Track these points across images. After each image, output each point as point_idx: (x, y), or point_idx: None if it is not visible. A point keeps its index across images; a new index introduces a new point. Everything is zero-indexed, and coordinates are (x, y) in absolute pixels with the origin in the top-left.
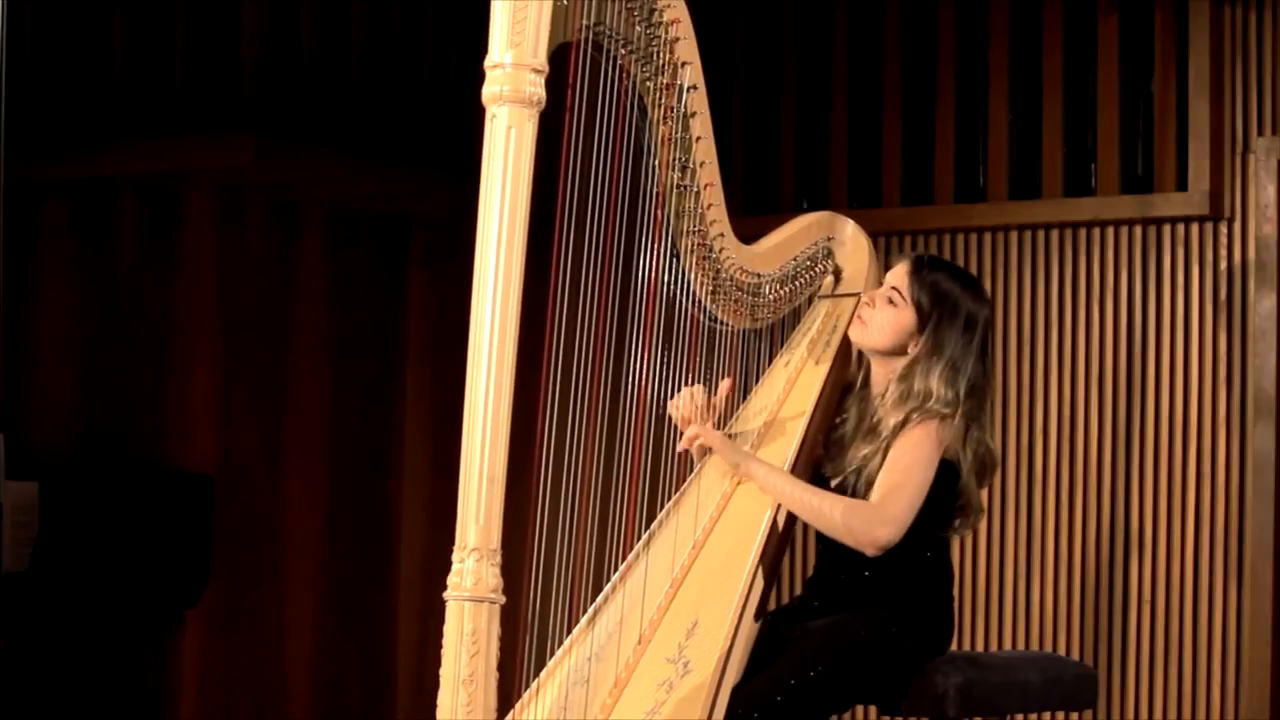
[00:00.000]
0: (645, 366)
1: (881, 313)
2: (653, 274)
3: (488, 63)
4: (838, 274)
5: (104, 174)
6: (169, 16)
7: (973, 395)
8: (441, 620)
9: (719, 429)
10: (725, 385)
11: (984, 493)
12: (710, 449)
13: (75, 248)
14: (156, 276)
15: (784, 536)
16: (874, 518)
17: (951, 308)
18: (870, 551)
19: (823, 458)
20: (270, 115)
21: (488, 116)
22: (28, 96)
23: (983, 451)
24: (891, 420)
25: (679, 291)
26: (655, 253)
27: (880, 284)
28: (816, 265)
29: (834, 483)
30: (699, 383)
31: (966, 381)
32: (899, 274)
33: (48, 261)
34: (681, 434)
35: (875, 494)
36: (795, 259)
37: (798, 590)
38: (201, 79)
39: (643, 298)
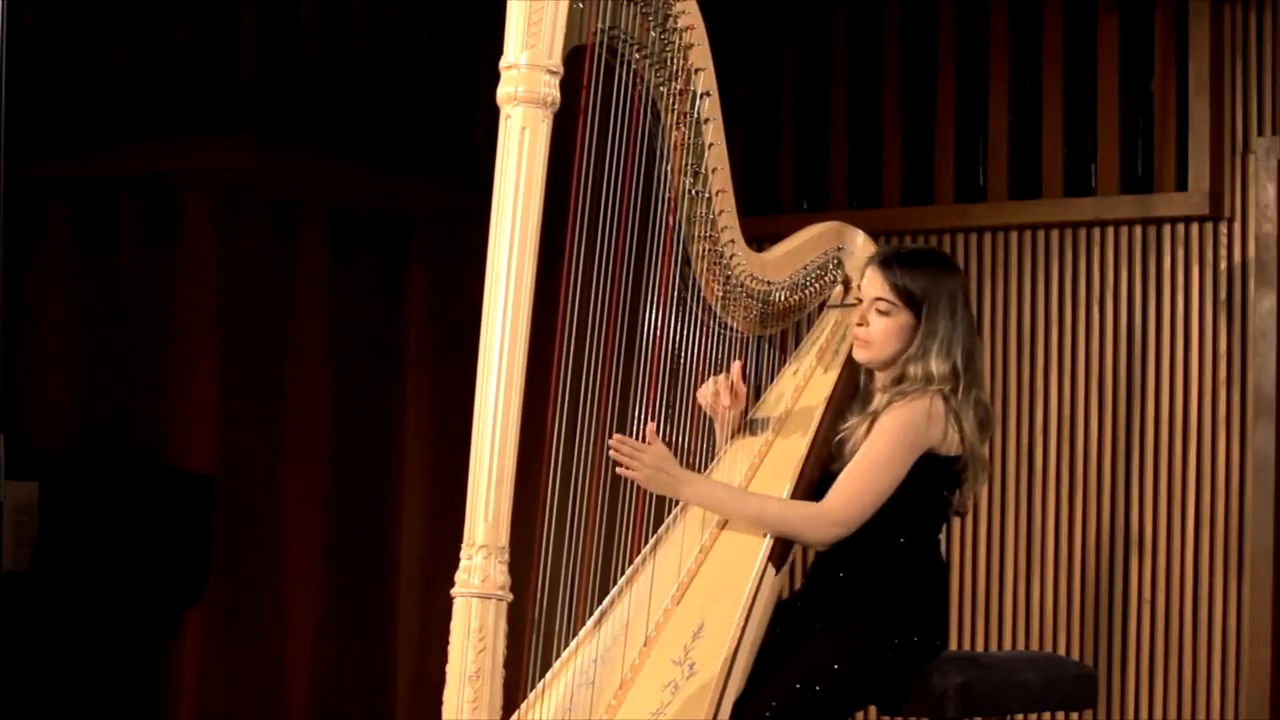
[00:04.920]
0: (655, 370)
1: (877, 324)
2: (663, 278)
3: (503, 63)
4: (847, 284)
5: (104, 174)
6: (169, 16)
7: (970, 362)
8: (442, 620)
9: (744, 414)
10: (735, 367)
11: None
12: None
13: (75, 248)
14: (156, 276)
15: (789, 540)
16: (825, 518)
17: (936, 291)
18: (821, 547)
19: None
20: (270, 115)
21: (502, 116)
22: (28, 96)
23: (983, 411)
24: (885, 399)
25: (689, 297)
26: (666, 256)
27: None
28: (826, 274)
29: None
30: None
31: (962, 353)
32: (876, 282)
33: (48, 261)
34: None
35: (834, 492)
36: (805, 267)
37: (798, 588)
38: (201, 79)
39: (653, 302)
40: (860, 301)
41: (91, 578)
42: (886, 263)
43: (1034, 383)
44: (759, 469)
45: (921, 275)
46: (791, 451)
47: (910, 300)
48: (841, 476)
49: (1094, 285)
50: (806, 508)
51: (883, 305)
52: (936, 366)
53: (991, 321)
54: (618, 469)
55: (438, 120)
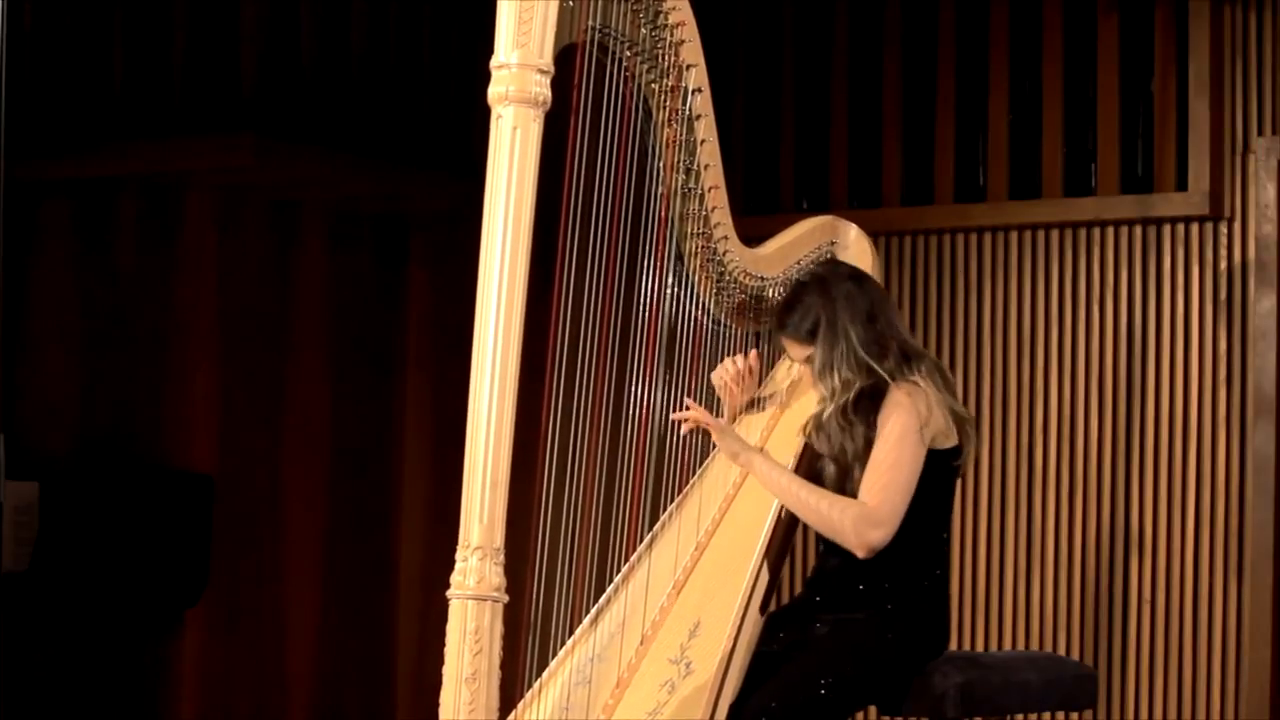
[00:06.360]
0: (649, 368)
1: None
2: (657, 276)
3: (493, 63)
4: None
5: (104, 174)
6: (169, 17)
7: (878, 346)
8: (441, 620)
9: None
10: (752, 355)
11: (982, 487)
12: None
13: (75, 248)
14: (156, 276)
15: (786, 538)
16: (867, 519)
17: (818, 317)
18: (861, 554)
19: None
20: (270, 115)
21: (493, 117)
22: (28, 96)
23: (938, 372)
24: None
25: (683, 293)
26: (659, 255)
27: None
28: None
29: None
30: (733, 358)
31: (857, 349)
32: (791, 348)
33: (48, 261)
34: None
35: (864, 493)
36: (799, 262)
37: (798, 589)
38: (201, 79)
39: (647, 300)
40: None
41: (91, 578)
42: (781, 326)
43: (1034, 383)
44: None
45: (807, 312)
46: (786, 449)
47: (814, 343)
48: (865, 481)
49: (1094, 285)
50: (855, 505)
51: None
52: (842, 376)
53: (991, 321)
54: (687, 423)
55: (438, 120)
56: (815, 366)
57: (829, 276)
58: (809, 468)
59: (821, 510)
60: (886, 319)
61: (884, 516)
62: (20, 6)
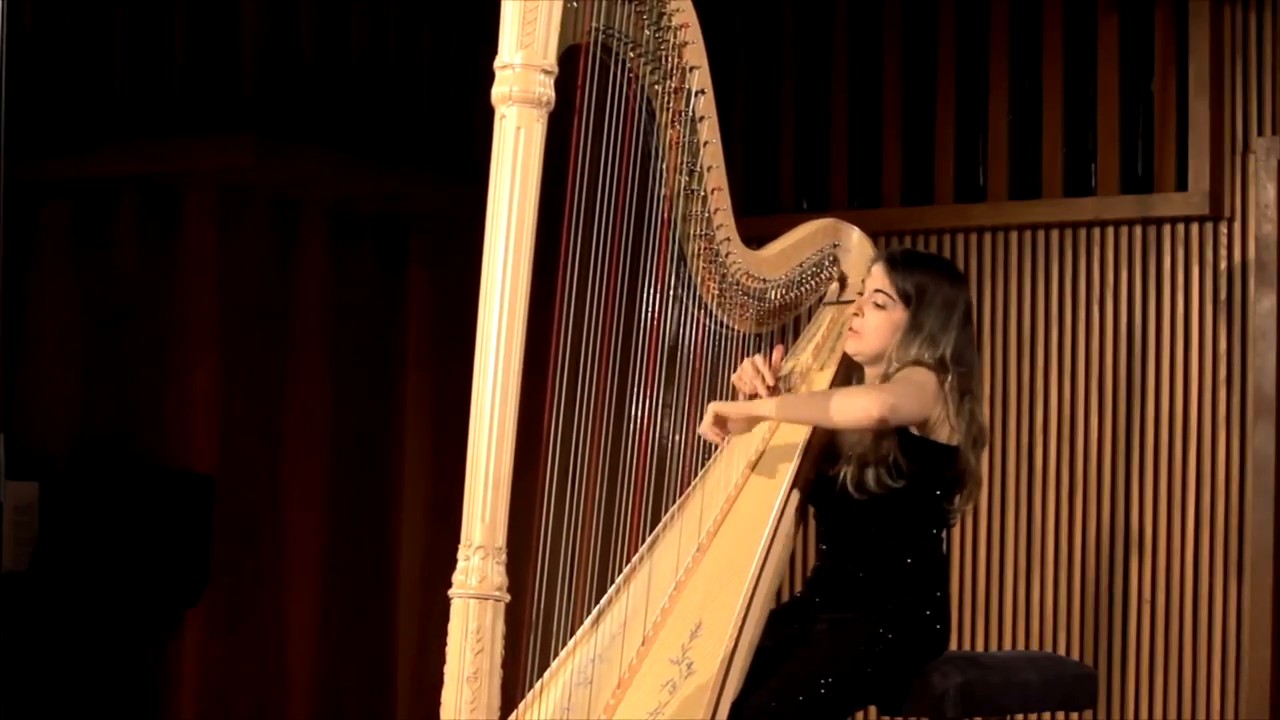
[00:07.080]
0: (651, 369)
1: (872, 316)
2: (659, 277)
3: (497, 63)
4: (842, 281)
5: (104, 174)
6: (169, 17)
7: (960, 363)
8: (442, 620)
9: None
10: (777, 352)
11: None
12: (731, 421)
13: (75, 248)
14: (156, 276)
15: (788, 537)
16: (885, 390)
17: (932, 293)
18: (877, 412)
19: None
20: (270, 115)
21: (497, 117)
22: (28, 96)
23: (977, 425)
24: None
25: (685, 295)
26: (662, 256)
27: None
28: (822, 272)
29: (836, 483)
30: (753, 355)
31: (950, 349)
32: (878, 276)
33: (48, 261)
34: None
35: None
36: (801, 265)
37: (798, 589)
38: (201, 79)
39: (649, 301)
40: (857, 297)
41: (91, 578)
42: (893, 260)
43: (1034, 383)
44: (757, 464)
45: (922, 275)
46: (789, 449)
47: (907, 298)
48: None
49: (1094, 285)
50: (862, 387)
51: (880, 299)
52: (917, 352)
53: (991, 321)
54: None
55: (438, 120)
56: (907, 329)
57: (960, 283)
58: (811, 466)
59: (835, 400)
60: (972, 350)
61: (900, 398)
62: (20, 6)
